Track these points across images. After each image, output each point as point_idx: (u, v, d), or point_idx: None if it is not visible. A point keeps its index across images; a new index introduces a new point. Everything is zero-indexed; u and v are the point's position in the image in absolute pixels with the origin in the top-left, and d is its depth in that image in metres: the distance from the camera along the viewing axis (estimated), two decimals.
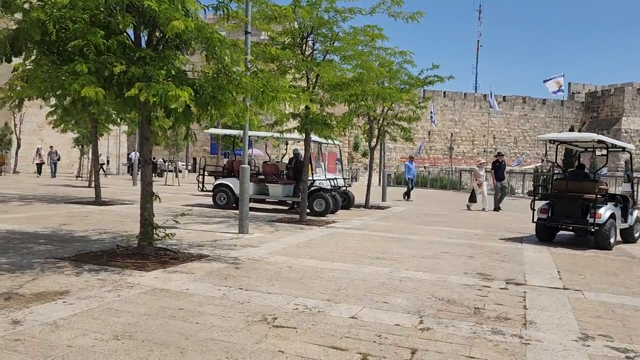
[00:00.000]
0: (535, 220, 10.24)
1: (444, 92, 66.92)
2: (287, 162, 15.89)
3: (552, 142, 10.85)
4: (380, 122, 16.85)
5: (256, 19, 9.63)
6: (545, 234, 10.20)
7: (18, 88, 5.71)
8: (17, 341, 3.56)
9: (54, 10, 5.06)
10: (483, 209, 17.12)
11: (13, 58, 6.01)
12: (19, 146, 31.53)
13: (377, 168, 26.23)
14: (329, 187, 14.10)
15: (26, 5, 5.60)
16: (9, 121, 30.64)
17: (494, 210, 17.13)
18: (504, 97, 70.29)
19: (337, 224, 11.79)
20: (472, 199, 17.75)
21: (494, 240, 10.08)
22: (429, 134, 65.64)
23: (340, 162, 18.96)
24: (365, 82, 11.35)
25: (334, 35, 10.99)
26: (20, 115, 30.07)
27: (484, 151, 66.51)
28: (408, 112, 17.10)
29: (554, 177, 11.29)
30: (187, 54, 6.74)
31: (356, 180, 38.15)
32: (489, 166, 21.18)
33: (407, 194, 21.32)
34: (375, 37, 11.42)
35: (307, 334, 4.00)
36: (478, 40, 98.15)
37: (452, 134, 66.52)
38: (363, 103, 12.22)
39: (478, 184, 17.78)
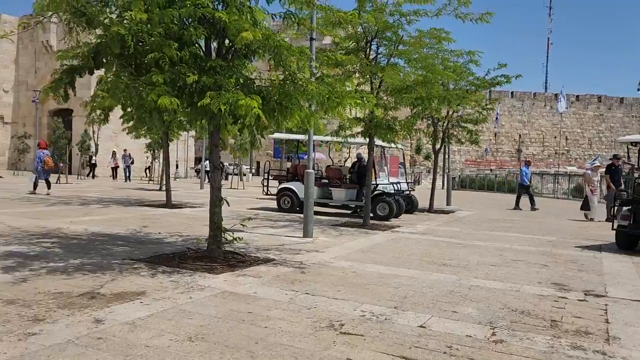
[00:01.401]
0: (615, 227, 9.65)
1: (512, 93, 64.65)
2: (350, 166, 15.91)
3: (633, 144, 10.19)
4: (445, 124, 16.52)
5: (320, 25, 9.71)
6: (626, 242, 9.58)
7: (100, 99, 6.07)
8: (99, 339, 3.76)
9: (132, 24, 5.34)
10: (591, 219, 15.36)
11: (95, 70, 6.42)
12: (96, 151, 33.45)
13: (441, 171, 25.68)
14: (393, 191, 13.96)
15: (106, 21, 5.93)
16: (88, 128, 32.59)
17: (607, 220, 14.70)
18: (577, 96, 66.97)
19: (401, 228, 11.64)
20: (585, 206, 15.88)
21: (570, 248, 9.59)
22: (495, 135, 63.59)
23: (403, 166, 18.73)
24: (431, 85, 11.15)
25: (398, 39, 10.87)
26: (98, 123, 31.93)
27: (555, 153, 63.63)
28: (474, 113, 16.66)
29: (636, 182, 10.59)
30: (255, 61, 6.89)
31: (419, 184, 37.61)
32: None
33: (519, 202, 19.10)
34: (442, 39, 11.20)
35: (375, 342, 3.96)
36: (548, 38, 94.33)
37: (520, 135, 64.11)
38: (428, 106, 12.01)
39: (591, 190, 15.68)
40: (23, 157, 34.65)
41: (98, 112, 7.47)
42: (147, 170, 30.73)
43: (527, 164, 20.48)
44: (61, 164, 27.21)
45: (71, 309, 4.43)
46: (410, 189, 16.00)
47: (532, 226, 13.37)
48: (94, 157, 32.55)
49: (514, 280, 6.48)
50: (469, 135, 16.65)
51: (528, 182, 19.37)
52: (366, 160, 12.68)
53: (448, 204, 19.47)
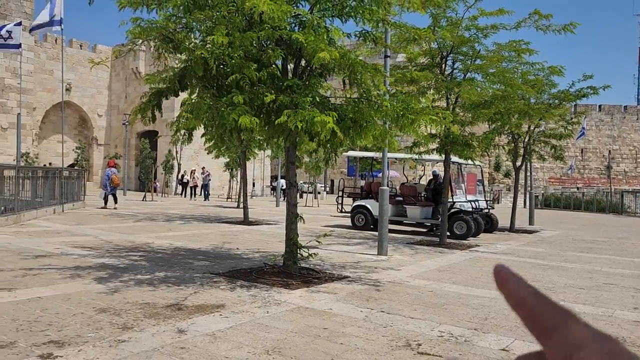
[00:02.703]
0: None
1: (599, 106, 60.90)
2: (426, 183, 15.62)
3: None
4: (526, 140, 15.84)
5: (394, 42, 9.71)
6: None
7: (184, 120, 6.42)
8: (182, 349, 3.91)
9: (215, 48, 5.62)
10: None
11: (179, 93, 6.80)
12: (179, 171, 35.20)
13: (522, 189, 24.58)
14: (471, 209, 13.53)
15: (191, 46, 6.29)
16: (172, 148, 34.41)
17: None
18: None
19: (480, 248, 11.23)
20: None
21: None
22: (581, 151, 60.04)
23: (481, 184, 18.12)
24: (510, 100, 10.77)
25: (475, 53, 10.63)
26: (180, 143, 33.57)
27: None
28: (558, 128, 15.85)
29: None
30: (330, 79, 7.01)
31: (498, 202, 36.16)
32: None
33: None
34: (522, 52, 10.81)
35: None
36: (639, 47, 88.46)
37: (609, 151, 60.04)
38: (508, 121, 11.59)
39: None
40: None
41: (182, 132, 7.90)
42: (202, 190, 31.53)
43: None
44: (156, 183, 28.78)
45: (157, 319, 4.65)
46: (489, 207, 15.43)
47: (625, 248, 12.43)
48: (185, 177, 33.63)
49: (606, 305, 6.03)
50: (552, 150, 15.84)
51: None
52: (442, 177, 12.41)
53: (531, 223, 18.56)
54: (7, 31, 19.83)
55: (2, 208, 12.03)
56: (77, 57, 38.99)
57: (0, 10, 31.85)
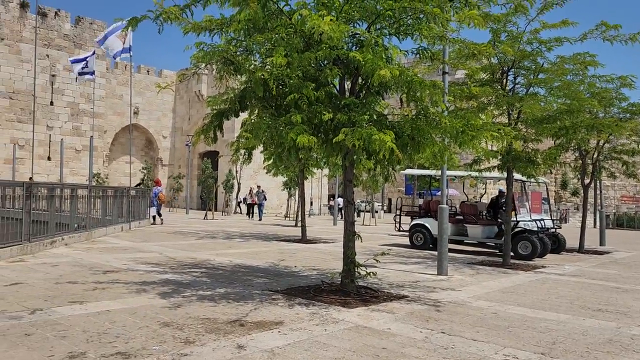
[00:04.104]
0: None
1: None
2: (485, 201, 15.18)
3: None
4: (595, 156, 15.09)
5: (453, 58, 9.59)
6: None
7: (244, 140, 6.60)
8: None
9: (274, 69, 5.78)
10: None
11: (240, 113, 7.01)
12: (239, 190, 36.04)
13: (592, 208, 23.36)
14: (536, 229, 12.99)
15: (251, 67, 6.49)
16: (232, 167, 35.34)
17: None
18: None
19: (546, 269, 10.73)
20: None
21: None
22: None
23: (547, 202, 17.38)
24: (576, 114, 10.33)
25: (538, 67, 10.31)
26: (241, 163, 34.36)
27: None
28: (630, 144, 15.01)
29: None
30: (387, 97, 7.00)
31: (566, 222, 34.51)
32: None
33: None
34: (587, 64, 10.38)
35: None
36: None
37: None
38: (574, 136, 11.09)
39: None
40: (177, 195, 38.64)
41: (242, 151, 8.12)
42: (239, 205, 31.57)
43: None
44: (227, 204, 29.42)
45: (217, 334, 4.74)
46: (556, 227, 14.76)
47: None
48: (247, 197, 32.80)
49: None
50: (624, 167, 14.99)
51: None
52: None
53: (602, 243, 17.57)
54: (83, 61, 21.37)
55: (76, 225, 12.73)
56: (145, 82, 41.04)
57: (76, 40, 34.18)
